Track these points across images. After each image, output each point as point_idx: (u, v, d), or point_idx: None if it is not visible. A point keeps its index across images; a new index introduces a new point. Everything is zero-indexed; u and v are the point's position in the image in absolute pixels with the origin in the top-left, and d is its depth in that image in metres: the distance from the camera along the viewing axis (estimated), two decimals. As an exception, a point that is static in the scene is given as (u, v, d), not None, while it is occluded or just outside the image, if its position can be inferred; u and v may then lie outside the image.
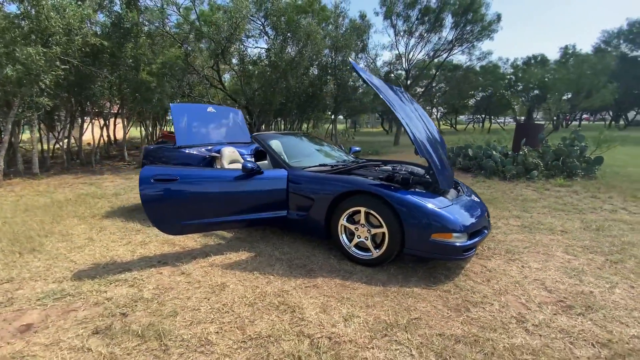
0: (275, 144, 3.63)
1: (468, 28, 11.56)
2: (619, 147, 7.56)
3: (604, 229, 3.72)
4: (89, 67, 7.96)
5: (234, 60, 10.24)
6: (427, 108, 23.69)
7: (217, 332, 2.00)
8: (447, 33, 12.39)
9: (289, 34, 9.12)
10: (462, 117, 38.81)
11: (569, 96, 13.23)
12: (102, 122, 11.60)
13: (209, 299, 2.35)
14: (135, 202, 5.22)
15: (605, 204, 4.73)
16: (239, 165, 4.16)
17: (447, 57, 13.32)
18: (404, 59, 13.85)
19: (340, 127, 27.38)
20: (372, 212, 2.73)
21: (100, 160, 10.16)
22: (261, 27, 9.44)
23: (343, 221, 2.90)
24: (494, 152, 6.85)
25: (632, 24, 16.60)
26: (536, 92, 17.99)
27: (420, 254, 2.66)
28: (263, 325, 2.06)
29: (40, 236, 3.62)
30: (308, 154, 3.90)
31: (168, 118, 15.97)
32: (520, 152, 6.51)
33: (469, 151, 7.44)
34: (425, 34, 12.89)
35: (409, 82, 13.27)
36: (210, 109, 5.00)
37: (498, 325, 2.07)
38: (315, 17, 9.34)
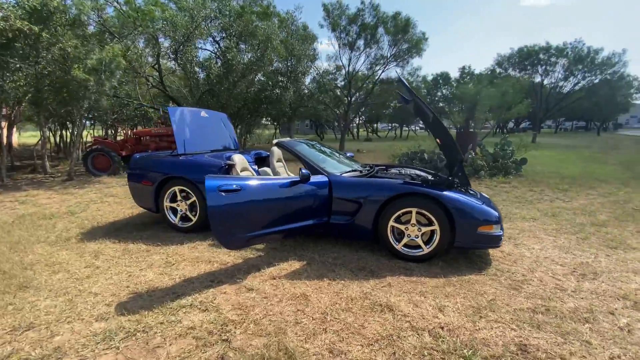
0: (306, 151, 3.63)
1: (404, 47, 13.06)
2: (534, 151, 9.51)
3: (557, 215, 4.75)
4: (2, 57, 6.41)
5: (181, 61, 9.40)
6: (352, 115, 25.41)
7: (341, 341, 1.99)
8: (385, 50, 13.79)
9: (245, 37, 8.84)
10: (382, 125, 42.59)
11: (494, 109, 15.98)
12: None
13: (303, 311, 2.28)
14: (108, 219, 4.46)
15: (543, 195, 5.98)
16: (248, 173, 4.00)
17: (382, 72, 14.74)
18: (344, 70, 14.82)
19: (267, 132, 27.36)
20: (423, 211, 3.00)
21: (10, 174, 8.16)
22: (217, 27, 8.90)
23: (392, 222, 3.10)
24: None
25: (518, 51, 21.26)
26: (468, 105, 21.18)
27: (468, 246, 3.03)
28: (375, 327, 2.13)
29: (17, 269, 2.87)
30: (330, 160, 3.98)
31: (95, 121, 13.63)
32: (470, 156, 7.69)
33: (425, 155, 8.40)
34: (365, 49, 14.02)
35: (351, 92, 14.20)
36: (203, 113, 4.62)
37: (550, 295, 2.54)
38: (270, 21, 9.26)
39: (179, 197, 3.82)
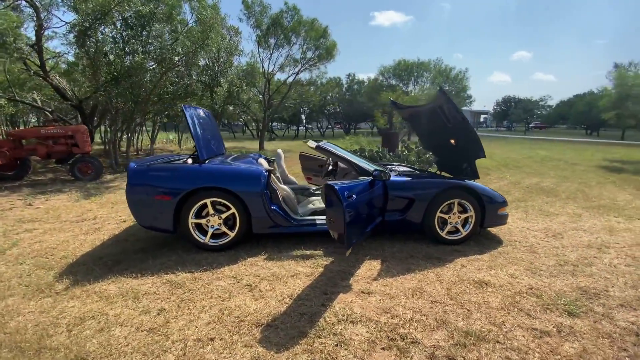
0: (349, 154, 3.69)
1: (320, 52, 13.76)
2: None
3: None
4: None
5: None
6: (277, 116, 25.30)
7: (488, 316, 2.31)
8: (297, 53, 14.23)
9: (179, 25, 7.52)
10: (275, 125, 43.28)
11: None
12: None
13: (437, 301, 2.48)
14: (66, 253, 3.34)
15: (468, 182, 7.63)
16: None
17: (297, 74, 15.14)
18: (262, 68, 14.48)
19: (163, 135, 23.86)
20: (463, 201, 3.59)
21: None
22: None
23: (439, 213, 3.57)
24: (387, 153, 9.01)
25: (397, 63, 25.41)
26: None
27: (491, 226, 3.78)
28: (494, 299, 2.53)
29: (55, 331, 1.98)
30: (366, 161, 4.10)
31: None
32: (403, 152, 8.96)
33: (365, 153, 9.29)
34: (279, 49, 14.11)
35: (269, 94, 14.03)
36: (201, 112, 3.95)
37: (554, 252, 3.51)
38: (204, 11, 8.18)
39: (210, 211, 3.25)
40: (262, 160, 3.92)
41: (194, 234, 3.25)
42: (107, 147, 12.67)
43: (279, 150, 4.60)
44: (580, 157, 13.41)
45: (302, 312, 2.30)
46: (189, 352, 1.90)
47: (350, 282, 2.76)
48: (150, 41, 7.27)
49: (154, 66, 7.12)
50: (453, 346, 1.97)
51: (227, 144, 19.53)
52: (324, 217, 3.64)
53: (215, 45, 8.27)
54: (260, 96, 13.26)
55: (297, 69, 14.32)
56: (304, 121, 34.94)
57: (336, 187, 2.54)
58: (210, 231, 3.28)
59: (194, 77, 9.69)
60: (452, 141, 4.04)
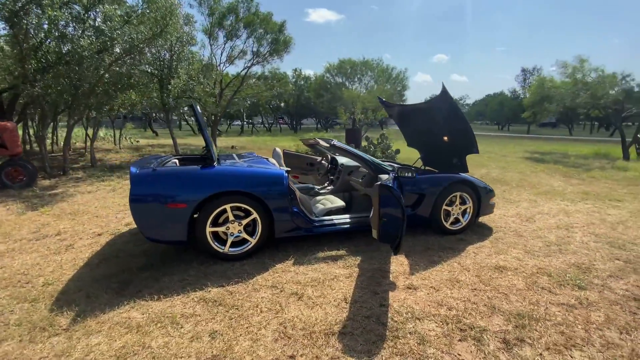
0: (363, 153, 3.70)
1: (272, 47, 13.33)
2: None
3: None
4: None
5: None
6: (220, 111, 24.11)
7: (524, 298, 2.57)
8: (255, 48, 13.62)
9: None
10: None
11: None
12: None
13: (479, 289, 2.66)
14: (60, 276, 2.76)
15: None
16: None
17: (249, 69, 14.45)
18: (214, 60, 13.52)
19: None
20: (464, 194, 3.89)
21: None
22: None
23: (445, 206, 3.82)
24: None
25: (342, 61, 25.97)
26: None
27: (484, 215, 4.17)
28: (517, 281, 2.82)
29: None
30: (378, 160, 4.12)
31: None
32: (370, 148, 9.29)
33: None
34: (229, 40, 13.33)
35: (222, 88, 13.13)
36: (199, 108, 3.54)
37: (534, 235, 4.03)
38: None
39: (231, 217, 2.96)
40: (272, 160, 3.71)
41: (212, 244, 2.95)
42: (30, 146, 10.61)
43: (277, 149, 4.39)
44: (506, 150, 15.50)
45: (366, 315, 2.27)
46: (274, 375, 1.74)
47: (391, 279, 2.80)
48: (97, 25, 6.18)
49: (101, 54, 6.09)
50: (515, 329, 2.15)
51: (168, 141, 17.83)
52: (342, 216, 3.62)
53: (176, 32, 7.42)
54: (214, 90, 12.37)
55: (250, 63, 13.73)
56: (244, 116, 33.73)
57: (394, 189, 2.54)
58: (230, 239, 3.00)
59: (144, 68, 8.57)
60: (445, 138, 4.34)
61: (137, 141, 15.21)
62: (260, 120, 39.88)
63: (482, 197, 3.98)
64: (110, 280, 2.73)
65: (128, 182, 6.88)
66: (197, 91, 9.88)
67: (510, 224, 4.41)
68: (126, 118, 18.11)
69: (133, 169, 2.79)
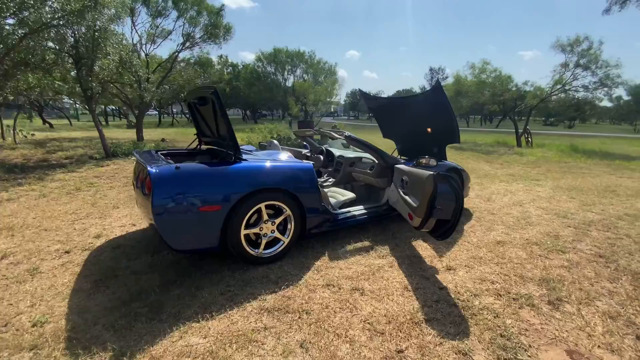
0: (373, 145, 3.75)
1: (205, 32, 12.08)
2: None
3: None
4: None
5: None
6: (148, 98, 21.12)
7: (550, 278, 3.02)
8: (186, 30, 12.14)
9: None
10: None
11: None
12: None
13: (508, 266, 3.01)
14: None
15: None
16: None
17: (179, 52, 12.88)
18: (140, 47, 11.54)
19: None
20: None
21: None
22: None
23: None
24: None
25: (275, 51, 25.17)
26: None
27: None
28: (536, 265, 3.30)
29: None
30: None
31: None
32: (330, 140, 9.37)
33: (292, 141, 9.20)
34: (168, 23, 11.67)
35: (149, 73, 11.33)
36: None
37: (523, 215, 4.74)
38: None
39: (265, 217, 2.68)
40: (286, 153, 3.45)
41: (247, 248, 2.64)
42: None
43: (275, 141, 4.11)
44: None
45: (434, 299, 2.37)
46: (395, 372, 1.71)
47: (429, 263, 2.96)
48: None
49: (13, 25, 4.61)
50: (549, 292, 2.53)
51: (73, 134, 14.93)
52: (357, 208, 3.62)
53: (113, 5, 6.03)
54: (142, 75, 10.65)
55: (181, 47, 12.26)
56: (154, 106, 30.27)
57: (440, 186, 2.65)
58: (264, 240, 2.74)
59: (51, 45, 6.84)
60: (429, 129, 4.70)
61: (33, 134, 12.21)
62: (179, 111, 36.29)
63: (464, 180, 4.47)
64: (129, 305, 2.23)
65: (57, 184, 5.57)
66: (128, 76, 8.39)
67: (479, 205, 5.06)
68: (22, 107, 14.33)
69: (153, 169, 2.29)
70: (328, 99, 18.93)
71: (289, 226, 2.88)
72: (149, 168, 2.29)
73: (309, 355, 1.81)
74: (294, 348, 1.86)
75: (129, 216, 4.05)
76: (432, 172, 2.68)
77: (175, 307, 2.20)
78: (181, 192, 2.32)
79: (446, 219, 2.67)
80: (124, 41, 8.25)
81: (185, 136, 15.76)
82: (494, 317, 2.17)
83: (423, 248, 3.29)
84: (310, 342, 1.90)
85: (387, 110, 5.29)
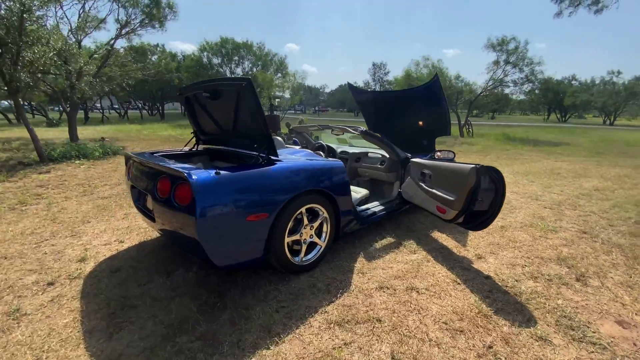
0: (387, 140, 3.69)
1: (144, 13, 10.68)
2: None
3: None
4: None
5: None
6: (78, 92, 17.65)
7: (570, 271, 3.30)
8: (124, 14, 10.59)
9: None
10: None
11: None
12: None
13: (528, 249, 3.21)
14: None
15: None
16: None
17: (116, 39, 11.25)
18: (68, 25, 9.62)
19: None
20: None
21: None
22: None
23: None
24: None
25: (222, 41, 23.40)
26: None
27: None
28: (527, 236, 3.58)
29: None
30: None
31: None
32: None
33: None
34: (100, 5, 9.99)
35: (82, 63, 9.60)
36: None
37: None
38: None
39: (305, 222, 2.45)
40: (304, 149, 3.21)
41: (289, 257, 2.40)
42: None
43: (279, 138, 3.79)
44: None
45: (487, 289, 2.42)
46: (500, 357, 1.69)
47: (459, 254, 3.03)
48: None
49: None
50: (570, 269, 2.77)
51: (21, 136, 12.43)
52: (374, 204, 3.55)
53: None
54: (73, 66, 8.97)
55: (118, 30, 10.73)
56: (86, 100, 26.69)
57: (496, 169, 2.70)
58: (304, 246, 2.52)
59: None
60: (421, 123, 4.84)
61: None
62: (108, 105, 32.25)
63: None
64: (174, 340, 1.85)
65: (6, 195, 4.44)
66: (65, 67, 7.03)
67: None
68: None
69: (193, 177, 1.90)
70: (288, 93, 18.49)
71: (324, 229, 2.70)
72: (185, 174, 1.91)
73: (405, 354, 1.71)
74: (382, 355, 1.73)
75: (108, 231, 3.42)
76: (474, 165, 2.72)
77: (232, 335, 1.90)
78: (226, 201, 1.98)
79: (483, 210, 2.75)
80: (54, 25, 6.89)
81: (126, 134, 14.01)
82: (546, 300, 2.30)
83: (443, 239, 3.37)
84: (400, 352, 1.79)
85: (377, 104, 5.30)
